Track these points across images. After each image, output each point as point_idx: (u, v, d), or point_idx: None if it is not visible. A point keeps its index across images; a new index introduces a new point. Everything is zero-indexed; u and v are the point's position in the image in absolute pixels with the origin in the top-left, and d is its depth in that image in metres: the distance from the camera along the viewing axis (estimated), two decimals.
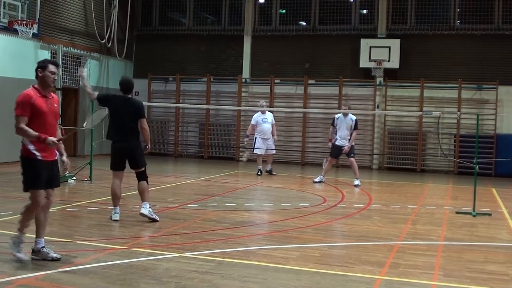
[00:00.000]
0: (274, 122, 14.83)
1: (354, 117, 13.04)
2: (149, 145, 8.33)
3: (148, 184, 8.15)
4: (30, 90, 5.88)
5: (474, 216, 9.29)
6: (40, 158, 5.62)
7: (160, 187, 11.81)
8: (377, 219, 8.95)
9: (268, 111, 14.95)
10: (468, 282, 5.56)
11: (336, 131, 13.14)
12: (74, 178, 11.98)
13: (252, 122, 14.76)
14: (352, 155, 13.09)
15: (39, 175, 5.61)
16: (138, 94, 20.20)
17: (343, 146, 12.98)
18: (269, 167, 14.76)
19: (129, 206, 9.23)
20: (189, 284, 5.21)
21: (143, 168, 8.10)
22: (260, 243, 6.96)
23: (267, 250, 6.63)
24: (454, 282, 5.54)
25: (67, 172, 10.12)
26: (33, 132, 5.59)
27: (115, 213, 7.97)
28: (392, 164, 17.62)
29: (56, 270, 5.45)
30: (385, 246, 7.09)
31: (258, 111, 14.81)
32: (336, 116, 13.24)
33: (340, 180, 14.59)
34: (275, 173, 14.68)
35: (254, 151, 14.75)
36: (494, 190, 13.06)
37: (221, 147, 19.37)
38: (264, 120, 14.60)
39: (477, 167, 9.85)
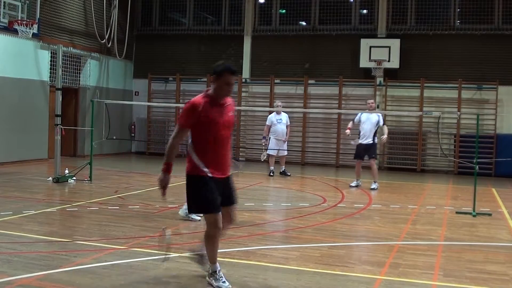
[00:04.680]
0: (289, 124, 14.79)
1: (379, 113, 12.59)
2: None
3: None
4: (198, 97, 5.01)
5: (474, 216, 9.28)
6: (210, 175, 4.94)
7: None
8: (377, 219, 8.94)
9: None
10: (468, 282, 5.56)
11: (359, 130, 12.63)
12: (74, 178, 11.98)
13: (267, 122, 14.70)
14: (373, 155, 12.58)
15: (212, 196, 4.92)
16: (138, 94, 20.28)
17: (367, 145, 12.41)
18: (282, 168, 14.75)
19: (129, 206, 9.23)
20: (189, 284, 5.20)
21: None
22: (260, 243, 6.96)
23: (267, 250, 6.63)
24: (454, 282, 5.54)
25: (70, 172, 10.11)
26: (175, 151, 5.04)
27: None
28: (392, 164, 17.61)
29: (56, 270, 5.44)
30: (385, 246, 7.09)
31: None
32: (359, 113, 12.74)
33: (340, 180, 14.59)
34: (289, 174, 14.64)
35: (267, 152, 14.74)
36: (494, 190, 13.05)
37: None
38: (279, 121, 14.60)
39: (477, 167, 9.84)
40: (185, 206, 8.25)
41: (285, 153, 14.85)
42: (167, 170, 4.98)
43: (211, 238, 5.01)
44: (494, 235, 7.97)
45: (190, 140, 5.05)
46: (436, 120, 15.23)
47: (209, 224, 4.97)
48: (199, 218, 8.21)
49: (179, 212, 8.24)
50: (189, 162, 5.00)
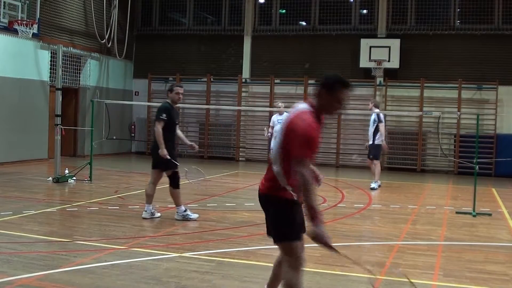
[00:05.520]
0: None
1: (377, 110, 12.53)
2: (161, 150, 8.05)
3: (174, 189, 8.25)
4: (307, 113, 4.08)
5: (474, 216, 9.28)
6: (296, 199, 4.06)
7: (160, 187, 11.75)
8: (377, 219, 8.95)
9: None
10: (468, 282, 5.56)
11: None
12: (74, 178, 11.98)
13: (270, 123, 14.65)
14: (375, 157, 12.52)
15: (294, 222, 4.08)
16: (138, 94, 20.28)
17: (369, 146, 12.50)
18: None
19: (129, 206, 9.24)
20: (189, 284, 5.20)
21: (162, 172, 8.32)
22: (260, 243, 6.95)
23: (267, 250, 6.61)
24: (454, 282, 5.54)
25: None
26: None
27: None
28: (392, 164, 17.60)
29: (56, 270, 5.44)
30: (385, 246, 7.09)
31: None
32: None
33: (340, 180, 14.59)
34: None
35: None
36: (494, 190, 13.05)
37: (221, 147, 19.37)
38: (279, 121, 14.54)
39: (477, 167, 9.84)
40: (178, 210, 8.24)
41: None
42: (320, 220, 3.76)
43: (296, 270, 4.09)
44: (494, 235, 7.97)
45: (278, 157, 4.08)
46: (436, 120, 15.23)
47: (288, 255, 4.10)
48: (196, 216, 8.23)
49: (175, 217, 8.23)
50: (271, 181, 4.08)
